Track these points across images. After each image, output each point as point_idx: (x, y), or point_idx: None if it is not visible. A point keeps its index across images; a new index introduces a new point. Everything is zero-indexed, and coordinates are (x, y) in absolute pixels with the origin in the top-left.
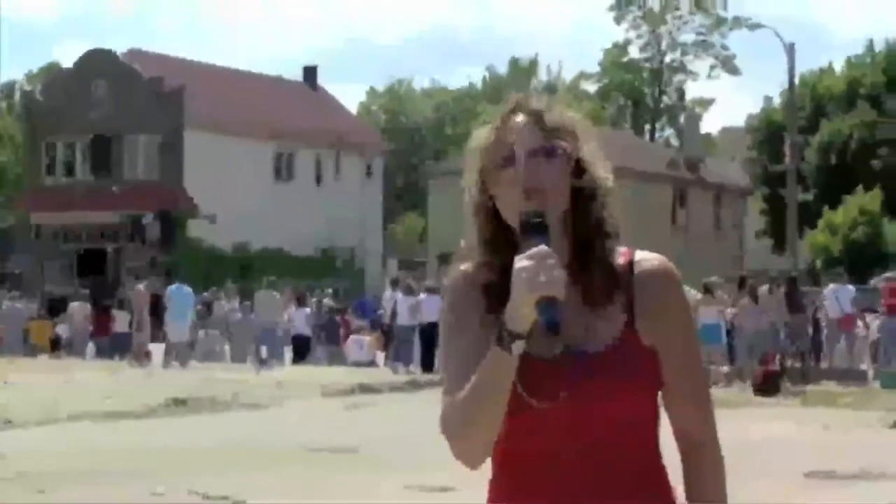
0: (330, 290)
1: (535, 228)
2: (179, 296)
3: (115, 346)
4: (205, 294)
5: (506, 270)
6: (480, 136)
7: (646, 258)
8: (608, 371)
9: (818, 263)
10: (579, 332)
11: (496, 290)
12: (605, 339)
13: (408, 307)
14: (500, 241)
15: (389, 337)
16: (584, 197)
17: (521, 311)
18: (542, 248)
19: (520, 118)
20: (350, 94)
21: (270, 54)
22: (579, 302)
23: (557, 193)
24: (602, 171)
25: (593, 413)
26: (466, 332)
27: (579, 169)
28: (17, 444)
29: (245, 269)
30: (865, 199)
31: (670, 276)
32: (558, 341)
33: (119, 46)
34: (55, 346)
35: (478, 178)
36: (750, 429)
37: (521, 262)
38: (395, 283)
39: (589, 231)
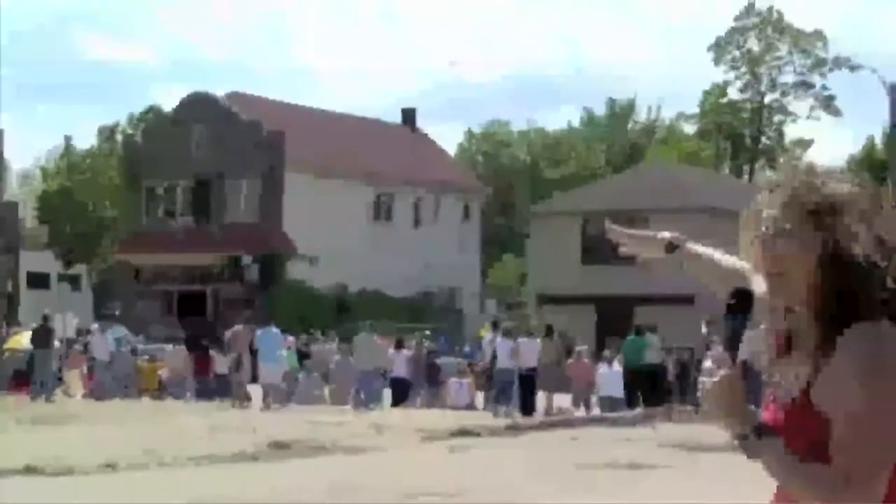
0: (428, 332)
1: (736, 309)
2: (268, 338)
3: (215, 389)
4: (303, 336)
5: None
6: (754, 203)
7: (855, 325)
8: (783, 431)
9: None
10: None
11: None
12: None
13: (508, 350)
14: None
15: (489, 379)
16: (834, 274)
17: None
18: (721, 355)
19: (778, 193)
20: (448, 136)
21: (369, 97)
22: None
23: (795, 272)
24: (861, 247)
25: None
26: None
27: (836, 247)
28: (120, 488)
29: (343, 311)
30: None
31: (847, 342)
32: None
33: (219, 89)
34: (158, 388)
35: (749, 244)
36: None
37: (714, 379)
38: (495, 326)
39: (832, 306)
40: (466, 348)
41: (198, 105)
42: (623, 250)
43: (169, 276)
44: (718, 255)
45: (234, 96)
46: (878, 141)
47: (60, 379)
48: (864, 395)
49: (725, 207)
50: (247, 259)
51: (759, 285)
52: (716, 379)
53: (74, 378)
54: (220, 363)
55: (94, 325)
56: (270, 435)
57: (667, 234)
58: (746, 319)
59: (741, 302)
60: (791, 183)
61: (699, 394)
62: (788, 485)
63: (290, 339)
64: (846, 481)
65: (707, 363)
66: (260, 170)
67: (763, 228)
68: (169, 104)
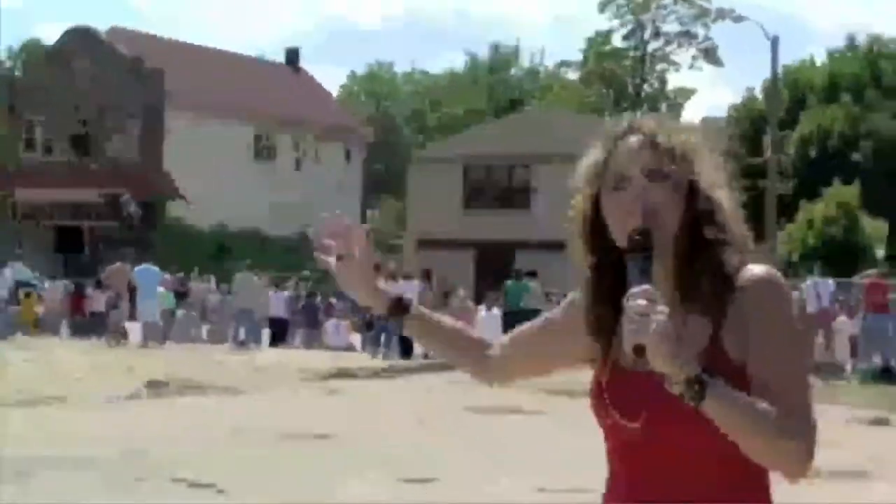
0: (307, 273)
1: (641, 248)
2: (146, 276)
3: (91, 326)
4: (181, 275)
5: (610, 294)
6: (592, 156)
7: (749, 270)
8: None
9: (794, 257)
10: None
11: (599, 316)
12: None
13: None
14: (607, 263)
15: (369, 322)
16: (697, 219)
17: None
18: (650, 289)
19: (633, 139)
20: (331, 77)
21: (252, 35)
22: (673, 316)
23: (668, 217)
24: (718, 193)
25: (671, 437)
26: (543, 324)
27: (693, 191)
28: None
29: (223, 251)
30: (843, 193)
31: (765, 286)
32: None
33: (101, 24)
34: (35, 324)
35: (589, 200)
36: None
37: (631, 300)
38: (376, 269)
39: (699, 252)
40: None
41: (79, 39)
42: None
43: (48, 212)
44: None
45: (116, 31)
46: (758, 93)
47: None
48: (796, 333)
49: None
50: (126, 197)
51: None
52: (659, 318)
53: None
54: (97, 301)
55: None
56: (148, 374)
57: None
58: (651, 258)
59: (644, 239)
60: (647, 130)
61: (630, 336)
62: (743, 430)
63: (167, 276)
64: (809, 419)
65: (636, 302)
66: (141, 107)
67: (636, 173)
68: (50, 38)
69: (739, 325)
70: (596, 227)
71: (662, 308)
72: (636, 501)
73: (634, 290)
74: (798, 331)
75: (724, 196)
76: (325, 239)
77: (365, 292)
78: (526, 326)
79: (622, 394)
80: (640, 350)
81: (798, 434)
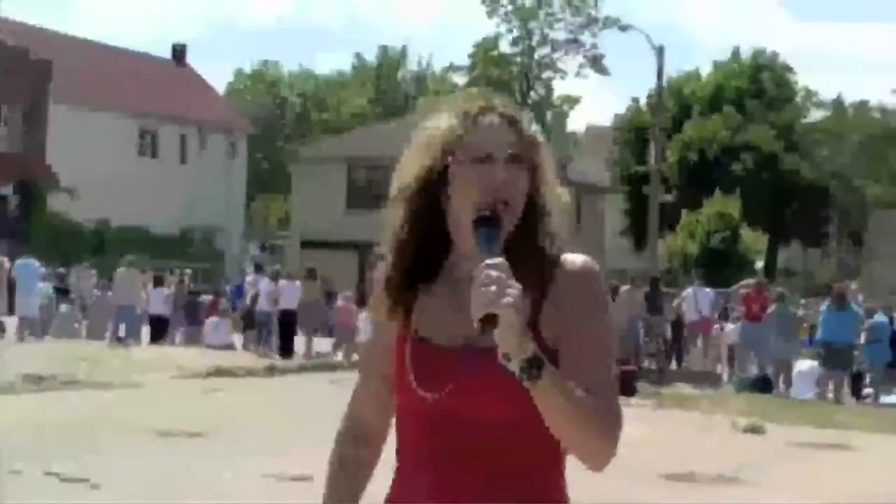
0: (189, 271)
1: (491, 224)
2: (25, 269)
3: None
4: (60, 269)
5: (418, 268)
6: (442, 125)
7: (568, 258)
8: (500, 367)
9: (676, 266)
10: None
11: (405, 288)
12: None
13: (269, 292)
14: (429, 231)
15: (249, 320)
16: (535, 210)
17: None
18: (504, 262)
19: (494, 118)
20: (217, 75)
21: (139, 30)
22: None
23: (518, 203)
24: (557, 188)
25: (476, 410)
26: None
27: (535, 179)
28: None
29: (104, 246)
30: (725, 204)
31: (586, 274)
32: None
33: None
34: None
35: (429, 168)
36: None
37: (485, 269)
38: (259, 268)
39: (527, 236)
40: (227, 288)
41: None
42: None
43: None
44: None
45: (1, 21)
46: (644, 103)
47: None
48: (610, 325)
49: None
50: (6, 189)
51: None
52: (514, 291)
53: None
54: None
55: None
56: (24, 367)
57: None
58: (500, 230)
59: (498, 214)
60: (507, 113)
61: (482, 305)
62: (566, 416)
63: (41, 269)
64: (619, 413)
65: (489, 272)
66: (24, 98)
67: (502, 152)
68: None
69: (555, 311)
70: (427, 196)
71: (512, 286)
72: (437, 471)
73: (490, 260)
74: (610, 323)
75: (558, 188)
76: None
77: None
78: (362, 369)
79: (426, 367)
80: (489, 320)
81: (610, 428)
